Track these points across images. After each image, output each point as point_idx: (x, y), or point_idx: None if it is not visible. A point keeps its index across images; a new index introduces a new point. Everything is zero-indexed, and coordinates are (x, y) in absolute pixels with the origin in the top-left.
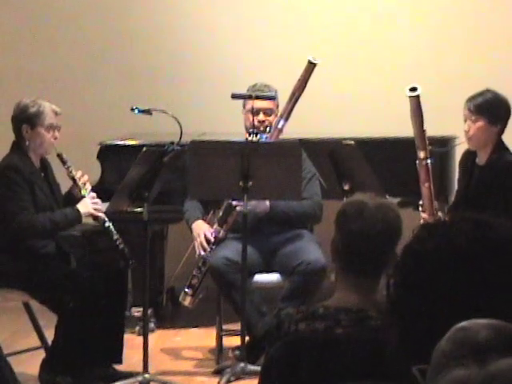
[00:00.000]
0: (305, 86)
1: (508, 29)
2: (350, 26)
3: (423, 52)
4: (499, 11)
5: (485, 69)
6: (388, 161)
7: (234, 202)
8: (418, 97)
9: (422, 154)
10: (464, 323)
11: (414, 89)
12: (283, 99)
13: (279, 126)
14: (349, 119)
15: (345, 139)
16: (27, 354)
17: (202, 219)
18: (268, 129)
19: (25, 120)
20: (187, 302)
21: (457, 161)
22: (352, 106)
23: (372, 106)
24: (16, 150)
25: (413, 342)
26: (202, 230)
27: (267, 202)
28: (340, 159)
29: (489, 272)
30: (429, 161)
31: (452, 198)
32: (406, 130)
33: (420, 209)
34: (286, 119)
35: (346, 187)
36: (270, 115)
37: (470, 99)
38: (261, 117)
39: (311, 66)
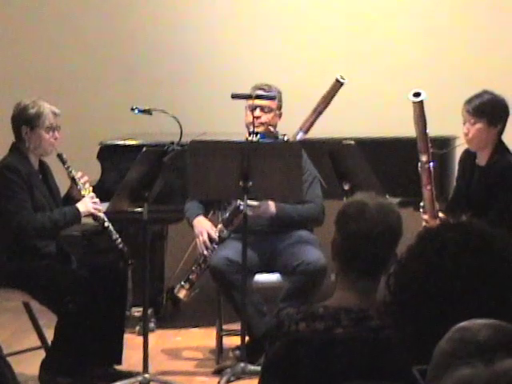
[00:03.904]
0: (329, 103)
1: (508, 29)
2: (349, 26)
3: (423, 52)
4: (498, 11)
5: (484, 69)
6: (388, 161)
7: (242, 207)
8: (421, 102)
9: (424, 158)
10: (464, 323)
11: (417, 94)
12: (285, 100)
13: (298, 137)
14: (349, 119)
15: (345, 139)
16: (27, 353)
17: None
18: (272, 128)
19: (24, 121)
20: (182, 294)
21: (456, 162)
22: (352, 106)
23: (372, 106)
24: (15, 150)
25: (413, 342)
26: (205, 228)
27: (273, 208)
28: (340, 159)
29: (488, 274)
30: (431, 164)
31: None
32: (405, 130)
33: (421, 210)
34: (306, 132)
35: (346, 187)
36: (266, 113)
37: (468, 101)
38: (257, 113)
39: (338, 85)
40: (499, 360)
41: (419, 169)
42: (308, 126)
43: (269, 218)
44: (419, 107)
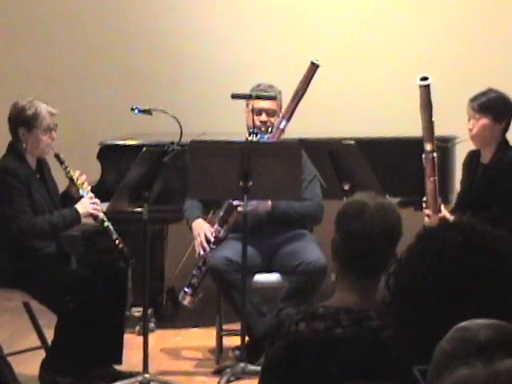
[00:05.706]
0: (307, 87)
1: (508, 28)
2: (350, 25)
3: (423, 52)
4: (500, 11)
5: (485, 68)
6: (388, 161)
7: (235, 202)
8: (428, 86)
9: (428, 147)
10: (464, 323)
11: (424, 78)
12: (285, 100)
13: (281, 126)
14: (349, 119)
15: (345, 139)
16: (27, 353)
17: (202, 218)
18: (270, 129)
19: (21, 123)
20: (187, 301)
21: (457, 160)
22: (352, 105)
23: (372, 106)
24: (12, 151)
25: (413, 342)
26: (202, 229)
27: (269, 202)
28: (340, 159)
29: (488, 274)
30: (435, 154)
31: (452, 197)
32: (405, 130)
33: (424, 205)
34: (288, 120)
35: (346, 187)
36: (272, 116)
37: (474, 99)
38: (263, 117)
39: (314, 68)
40: (498, 360)
41: (423, 159)
42: (290, 113)
43: (264, 214)
44: (426, 92)
